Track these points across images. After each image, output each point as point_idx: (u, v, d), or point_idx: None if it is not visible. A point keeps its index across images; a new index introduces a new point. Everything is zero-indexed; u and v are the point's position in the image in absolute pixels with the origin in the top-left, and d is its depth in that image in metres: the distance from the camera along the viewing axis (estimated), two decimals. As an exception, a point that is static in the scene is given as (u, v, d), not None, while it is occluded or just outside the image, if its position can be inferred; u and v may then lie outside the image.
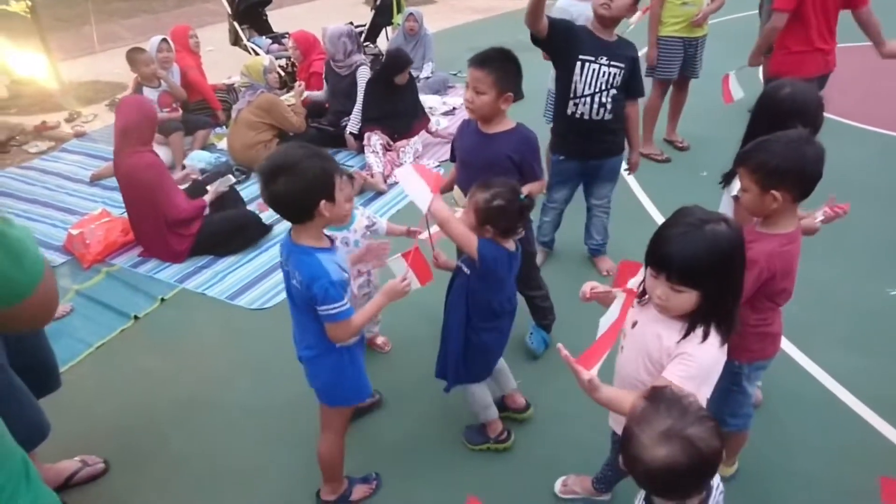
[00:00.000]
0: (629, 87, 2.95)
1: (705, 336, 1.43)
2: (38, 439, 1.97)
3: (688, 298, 1.39)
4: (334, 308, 1.72)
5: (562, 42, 2.83)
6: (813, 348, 2.79)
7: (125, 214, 4.09)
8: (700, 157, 4.77)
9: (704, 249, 1.35)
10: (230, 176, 4.21)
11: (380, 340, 2.93)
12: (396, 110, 4.84)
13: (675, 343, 1.46)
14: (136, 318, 3.20)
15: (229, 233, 3.81)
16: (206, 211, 3.80)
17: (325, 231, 2.34)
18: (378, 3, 7.27)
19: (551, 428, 2.46)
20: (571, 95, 2.93)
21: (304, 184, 1.64)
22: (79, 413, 2.54)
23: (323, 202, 1.67)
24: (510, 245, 2.04)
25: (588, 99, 2.90)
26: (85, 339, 3.01)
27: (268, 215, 4.00)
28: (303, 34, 5.89)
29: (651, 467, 1.12)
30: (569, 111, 2.95)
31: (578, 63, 2.87)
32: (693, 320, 1.43)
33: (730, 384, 1.90)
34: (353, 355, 1.95)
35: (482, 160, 2.37)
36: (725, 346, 1.46)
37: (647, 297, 1.53)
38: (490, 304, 2.09)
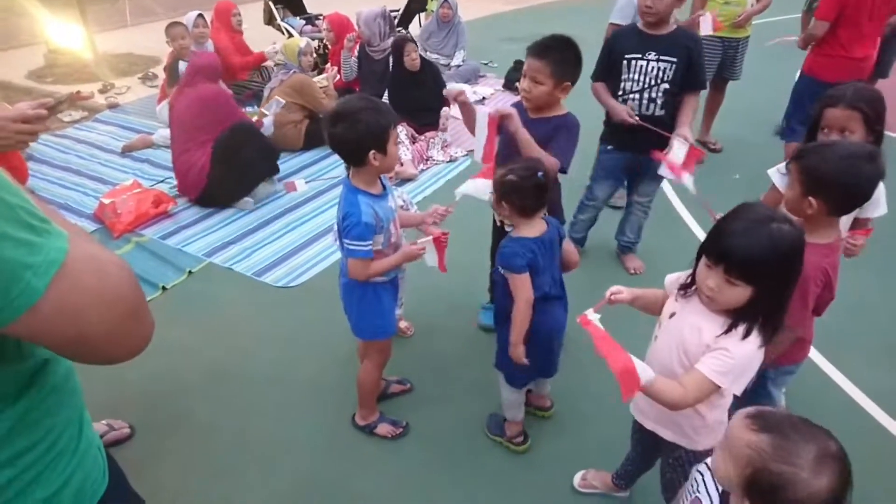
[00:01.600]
0: (686, 80, 2.86)
1: (747, 334, 1.41)
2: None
3: (741, 293, 1.38)
4: (356, 245, 1.91)
5: (610, 61, 2.93)
6: (839, 357, 2.74)
7: (156, 186, 4.17)
8: (733, 159, 4.70)
9: (768, 246, 1.33)
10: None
11: (403, 325, 2.94)
12: (421, 103, 4.80)
13: (714, 337, 1.44)
14: (164, 288, 3.24)
15: (242, 145, 3.97)
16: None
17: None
18: (413, -12, 7.24)
19: (571, 422, 2.45)
20: (620, 92, 2.91)
21: (357, 133, 1.82)
22: (107, 377, 2.53)
23: (373, 152, 1.85)
24: (533, 230, 1.98)
25: (637, 95, 2.88)
26: (114, 307, 3.05)
27: (286, 200, 4.07)
28: (337, 16, 5.88)
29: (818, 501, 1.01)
30: (634, 120, 2.90)
31: (624, 62, 2.85)
32: (738, 317, 1.42)
33: (755, 387, 1.88)
34: (378, 293, 2.11)
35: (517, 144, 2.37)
36: (763, 349, 1.44)
37: (690, 289, 1.51)
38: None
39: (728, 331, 1.42)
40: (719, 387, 1.42)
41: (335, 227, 2.13)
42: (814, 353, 2.71)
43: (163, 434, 2.40)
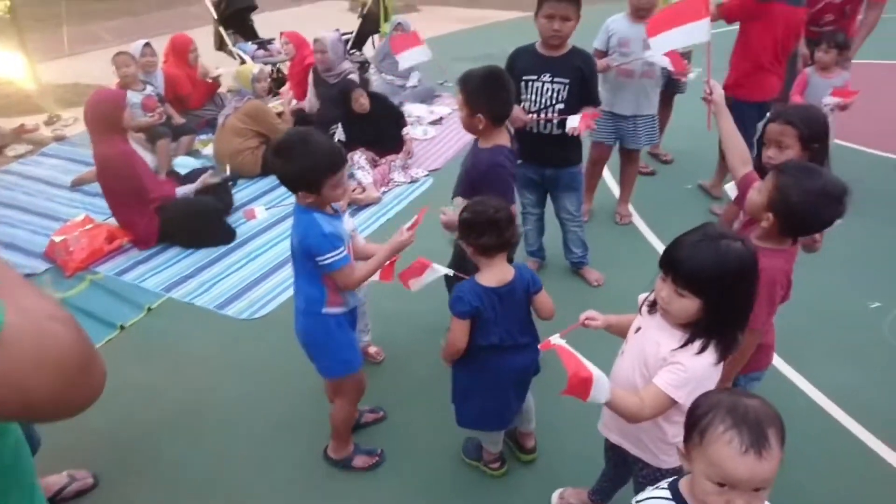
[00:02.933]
0: (581, 100, 2.95)
1: (702, 349, 1.45)
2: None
3: (689, 305, 1.43)
4: (331, 256, 1.88)
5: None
6: (799, 360, 2.84)
7: (109, 221, 4.05)
8: (684, 170, 4.85)
9: (713, 259, 1.39)
10: (226, 172, 4.43)
11: (372, 350, 2.91)
12: (376, 135, 4.80)
13: (670, 351, 1.49)
14: (122, 327, 3.14)
15: (186, 218, 3.86)
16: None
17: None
18: (365, 11, 7.28)
19: (547, 441, 2.46)
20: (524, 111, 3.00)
21: (290, 172, 1.86)
22: (67, 424, 2.41)
23: (302, 193, 1.88)
24: (491, 277, 1.91)
25: (535, 115, 2.97)
26: (69, 350, 2.94)
27: (245, 229, 4.01)
28: (294, 32, 5.87)
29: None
30: (524, 127, 2.99)
31: (522, 83, 2.95)
32: (693, 332, 1.47)
33: None
34: (341, 324, 2.07)
35: (462, 171, 2.48)
36: (720, 365, 1.48)
37: (655, 305, 1.56)
38: (474, 340, 1.96)
39: (684, 345, 1.46)
40: (675, 401, 1.45)
41: (293, 259, 2.06)
42: (775, 358, 2.81)
43: (128, 481, 2.31)
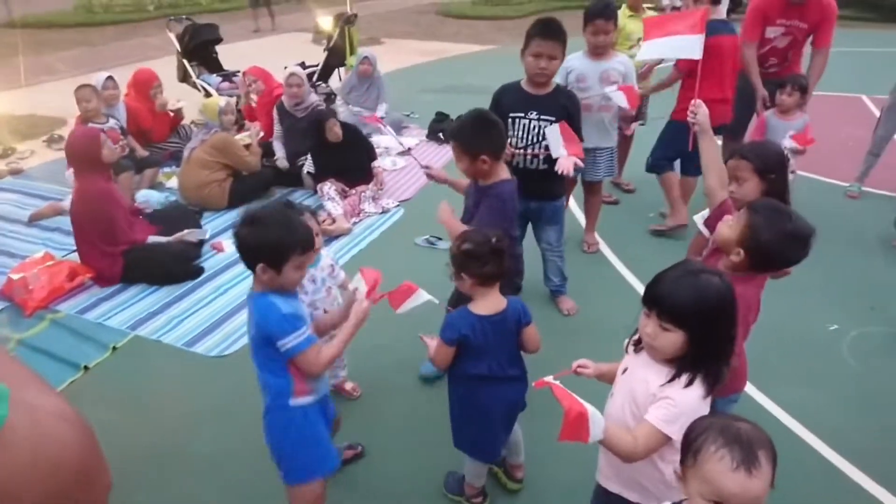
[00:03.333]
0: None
1: (689, 382, 1.49)
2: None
3: (674, 339, 1.47)
4: (293, 338, 1.74)
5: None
6: (764, 382, 2.93)
7: (70, 257, 3.93)
8: (645, 198, 4.99)
9: (694, 294, 1.45)
10: (206, 230, 4.31)
11: (348, 386, 2.88)
12: (346, 164, 4.83)
13: (659, 387, 1.52)
14: (86, 368, 3.03)
15: (152, 257, 3.79)
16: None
17: None
18: (331, 44, 7.35)
19: (529, 471, 2.46)
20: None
21: (254, 243, 1.74)
22: None
23: (262, 265, 1.72)
24: (485, 306, 1.95)
25: (521, 151, 3.06)
26: (29, 393, 2.81)
27: (214, 262, 3.95)
28: (256, 68, 5.87)
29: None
30: (512, 151, 3.07)
31: (509, 120, 3.02)
32: (680, 366, 1.50)
33: None
34: (308, 416, 1.88)
35: (466, 208, 2.54)
36: (709, 399, 1.51)
37: (640, 343, 1.59)
38: (464, 369, 2.00)
39: (672, 380, 1.50)
40: (669, 437, 1.47)
41: (251, 349, 1.89)
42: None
43: (95, 531, 2.20)
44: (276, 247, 1.72)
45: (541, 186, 3.17)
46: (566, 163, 2.91)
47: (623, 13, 4.75)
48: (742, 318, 1.78)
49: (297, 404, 1.87)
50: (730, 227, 1.83)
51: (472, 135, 2.38)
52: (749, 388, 2.90)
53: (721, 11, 4.15)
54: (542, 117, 3.00)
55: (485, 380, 1.99)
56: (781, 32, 4.27)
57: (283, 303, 1.76)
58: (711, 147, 2.10)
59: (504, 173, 2.48)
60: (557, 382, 1.42)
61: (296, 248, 1.74)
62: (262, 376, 1.89)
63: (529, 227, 3.43)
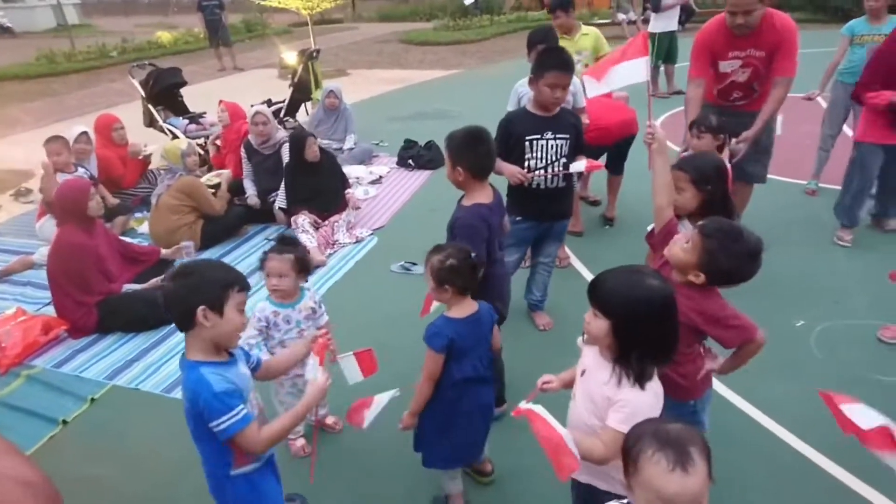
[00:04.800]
0: (577, 151, 3.23)
1: (625, 376, 1.57)
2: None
3: (601, 325, 1.58)
4: (224, 421, 1.60)
5: (510, 144, 3.15)
6: (732, 378, 2.99)
7: (43, 311, 3.90)
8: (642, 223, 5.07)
9: (623, 285, 1.58)
10: (191, 244, 4.49)
11: (330, 420, 2.89)
12: (321, 189, 4.89)
13: (605, 384, 1.61)
14: (64, 422, 2.99)
15: (127, 306, 3.77)
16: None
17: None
18: (296, 79, 7.44)
19: (511, 484, 2.50)
20: (526, 170, 3.14)
21: (187, 286, 1.62)
22: None
23: (203, 308, 1.59)
24: (463, 311, 2.10)
25: (542, 171, 3.15)
26: (7, 453, 2.77)
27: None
28: (233, 103, 5.92)
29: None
30: (525, 184, 3.14)
31: (527, 143, 3.12)
32: (614, 361, 1.60)
33: (691, 423, 2.06)
34: (254, 486, 1.79)
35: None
36: (660, 391, 1.60)
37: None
38: (452, 374, 2.12)
39: (611, 375, 1.59)
40: None
41: (188, 423, 1.74)
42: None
43: (82, 589, 2.18)
44: (213, 284, 1.62)
45: (559, 206, 3.32)
46: (584, 166, 3.18)
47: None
48: (704, 328, 1.90)
49: (238, 473, 1.77)
50: (684, 250, 1.90)
51: (459, 144, 2.49)
52: (719, 387, 2.99)
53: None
54: (557, 136, 3.12)
55: (470, 382, 2.13)
56: (739, 65, 3.75)
57: (216, 376, 1.62)
58: (665, 165, 2.19)
59: (482, 196, 2.52)
60: (532, 407, 1.49)
61: (234, 285, 1.65)
62: (198, 447, 1.76)
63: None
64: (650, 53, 8.78)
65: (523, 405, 1.55)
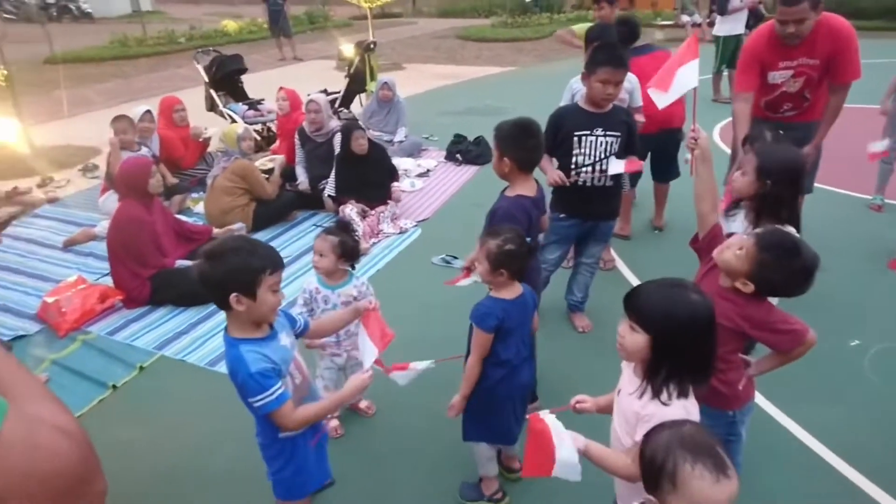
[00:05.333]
0: (628, 150, 3.17)
1: (656, 393, 1.52)
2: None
3: (638, 340, 1.53)
4: (260, 399, 1.67)
5: (558, 139, 3.12)
6: (782, 398, 2.91)
7: (101, 280, 4.10)
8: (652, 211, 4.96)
9: (664, 299, 1.52)
10: (241, 225, 4.69)
11: (363, 404, 2.94)
12: (368, 180, 4.96)
13: (636, 400, 1.56)
14: (114, 387, 3.15)
15: (178, 282, 3.87)
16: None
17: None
18: (352, 71, 7.56)
19: (542, 483, 2.48)
20: (573, 166, 3.11)
21: (220, 272, 1.65)
22: None
23: (236, 295, 1.64)
24: (511, 292, 2.13)
25: (589, 168, 3.11)
26: (61, 411, 2.94)
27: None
28: (293, 91, 6.08)
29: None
30: (571, 180, 3.12)
31: (575, 138, 3.08)
32: (646, 374, 1.55)
33: (727, 434, 2.01)
34: (298, 446, 1.90)
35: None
36: (692, 409, 1.53)
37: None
38: (498, 354, 2.14)
39: (643, 391, 1.54)
40: None
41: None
42: (757, 397, 2.86)
43: (119, 544, 2.28)
44: (243, 271, 1.65)
45: (605, 205, 3.26)
46: (623, 166, 3.11)
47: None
48: (752, 334, 1.85)
49: (286, 436, 1.86)
50: (737, 257, 1.84)
51: (507, 135, 2.50)
52: (766, 405, 2.89)
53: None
54: (607, 133, 3.07)
55: (514, 362, 2.15)
56: (791, 76, 3.53)
57: (254, 355, 1.68)
58: (709, 172, 2.14)
59: (525, 188, 2.53)
60: (551, 419, 1.47)
61: (265, 269, 1.67)
62: (250, 410, 1.81)
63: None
64: (715, 57, 8.54)
65: (543, 414, 1.53)
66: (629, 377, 1.63)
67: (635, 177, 4.44)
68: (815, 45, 3.41)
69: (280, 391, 1.69)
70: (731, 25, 8.15)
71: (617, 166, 3.10)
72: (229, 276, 1.64)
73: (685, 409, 1.53)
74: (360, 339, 2.04)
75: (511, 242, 2.06)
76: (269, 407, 1.68)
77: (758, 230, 1.88)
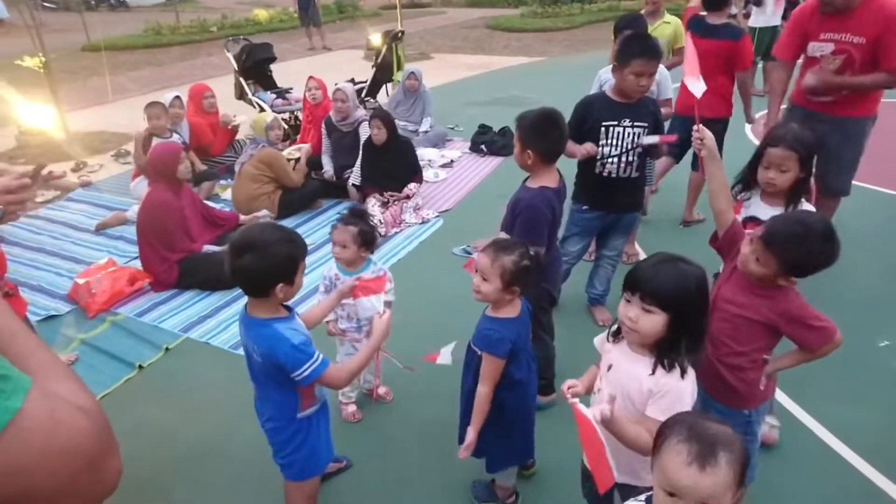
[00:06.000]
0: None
1: (671, 367, 1.54)
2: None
3: (656, 321, 1.52)
4: (307, 368, 1.74)
5: (584, 128, 3.07)
6: (805, 397, 2.85)
7: (131, 264, 4.20)
8: (677, 203, 4.82)
9: (674, 275, 1.53)
10: (266, 212, 4.74)
11: (382, 390, 2.97)
12: (391, 170, 4.97)
13: (648, 378, 1.56)
14: (140, 367, 3.23)
15: (205, 267, 3.95)
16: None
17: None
18: (379, 60, 7.57)
19: (556, 482, 2.48)
20: (598, 157, 3.08)
21: (267, 265, 1.70)
22: None
23: (280, 285, 1.72)
24: (514, 310, 2.05)
25: (615, 159, 3.07)
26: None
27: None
28: (321, 80, 6.13)
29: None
30: (596, 170, 3.09)
31: (602, 129, 3.04)
32: (661, 352, 1.55)
33: (743, 434, 1.98)
34: (312, 425, 1.96)
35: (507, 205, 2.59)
36: (693, 377, 1.56)
37: (620, 334, 1.65)
38: (511, 375, 2.08)
39: (655, 367, 1.55)
40: None
41: (252, 374, 1.91)
42: (779, 395, 2.81)
43: (141, 519, 2.36)
44: (289, 262, 1.74)
45: (629, 197, 3.23)
46: (658, 139, 3.05)
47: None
48: (784, 330, 1.87)
49: (303, 416, 1.93)
50: (758, 266, 1.82)
51: (530, 127, 2.45)
52: (789, 405, 2.83)
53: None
54: (635, 124, 3.03)
55: (524, 381, 2.11)
56: (830, 51, 3.27)
57: (290, 331, 1.75)
58: (719, 170, 2.10)
59: (548, 180, 2.49)
60: (588, 413, 1.46)
61: (304, 256, 1.79)
62: (266, 392, 1.91)
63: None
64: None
65: (584, 410, 1.48)
66: (627, 356, 1.63)
67: (679, 153, 4.40)
68: (863, 22, 3.14)
69: (322, 356, 1.79)
70: (767, 17, 7.94)
71: (651, 138, 3.04)
72: (277, 269, 1.71)
73: (693, 381, 1.55)
74: (359, 305, 2.19)
75: (525, 258, 1.97)
76: (317, 372, 1.76)
77: (758, 232, 1.84)
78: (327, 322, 2.61)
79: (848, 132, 3.43)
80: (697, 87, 2.32)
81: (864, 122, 3.44)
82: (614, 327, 1.69)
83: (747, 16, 9.23)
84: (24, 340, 0.76)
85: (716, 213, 2.09)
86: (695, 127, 2.15)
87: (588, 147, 3.03)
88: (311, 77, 6.11)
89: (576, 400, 1.52)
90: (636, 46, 2.93)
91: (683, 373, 1.53)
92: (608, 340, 1.73)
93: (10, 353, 0.73)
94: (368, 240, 2.60)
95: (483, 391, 2.03)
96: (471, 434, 2.06)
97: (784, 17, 8.01)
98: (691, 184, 4.64)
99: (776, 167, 2.23)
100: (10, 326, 0.75)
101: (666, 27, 4.65)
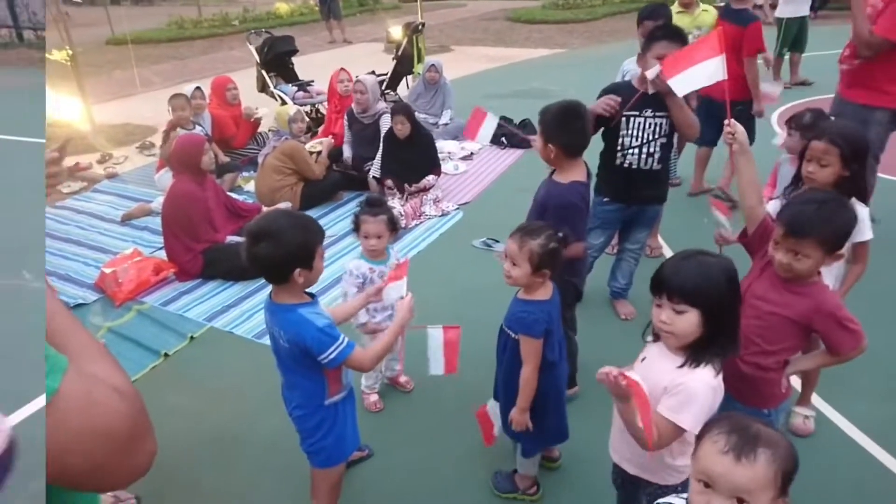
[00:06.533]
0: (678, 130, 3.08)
1: (698, 364, 1.52)
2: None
3: (690, 319, 1.50)
4: (334, 350, 1.77)
5: (605, 116, 2.98)
6: (836, 397, 2.80)
7: (156, 254, 4.26)
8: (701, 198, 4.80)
9: (698, 269, 1.52)
10: (288, 204, 4.82)
11: (402, 379, 2.99)
12: (410, 163, 4.96)
13: (668, 374, 1.54)
14: (165, 355, 3.29)
15: (229, 257, 3.94)
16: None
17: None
18: (400, 52, 7.56)
19: (577, 475, 2.48)
20: (619, 148, 3.04)
21: (283, 251, 1.73)
22: None
23: (299, 270, 1.75)
24: (547, 292, 2.08)
25: (636, 150, 3.03)
26: (116, 376, 3.09)
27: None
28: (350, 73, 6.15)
29: None
30: (617, 162, 3.06)
31: (623, 119, 2.99)
32: (694, 350, 1.53)
33: None
34: (339, 412, 1.98)
35: (534, 201, 2.57)
36: (720, 376, 1.53)
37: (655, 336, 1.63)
38: (546, 357, 2.09)
39: (683, 364, 1.53)
40: (681, 428, 1.48)
41: (279, 360, 1.94)
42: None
43: (168, 504, 2.41)
44: (305, 247, 1.75)
45: (651, 189, 3.17)
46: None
47: (673, 10, 4.63)
48: (818, 327, 1.83)
49: (330, 403, 1.95)
50: (800, 261, 1.78)
51: (551, 120, 2.42)
52: (820, 404, 2.78)
53: None
54: (657, 114, 2.98)
55: (556, 362, 2.13)
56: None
57: (314, 315, 1.78)
58: (750, 166, 2.06)
59: (578, 173, 2.46)
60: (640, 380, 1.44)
61: (321, 240, 1.82)
62: (293, 378, 1.93)
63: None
64: (777, 40, 8.16)
65: (634, 375, 1.45)
66: (661, 352, 1.61)
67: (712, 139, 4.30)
68: None
69: (346, 339, 1.81)
70: (794, 7, 7.77)
71: (654, 71, 2.84)
72: (293, 255, 1.73)
73: (710, 383, 1.52)
74: (385, 293, 2.17)
75: (553, 240, 1.99)
76: (344, 354, 1.78)
77: (778, 234, 1.80)
78: (363, 324, 2.64)
79: (868, 125, 3.41)
80: (680, 87, 2.42)
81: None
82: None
83: (774, 6, 9.04)
84: (61, 320, 0.77)
85: (746, 208, 2.04)
86: (726, 121, 2.12)
87: (607, 99, 2.94)
88: (342, 69, 6.12)
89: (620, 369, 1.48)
90: (660, 31, 2.91)
91: (717, 373, 1.51)
92: (649, 340, 1.71)
93: (49, 331, 0.74)
94: (395, 224, 2.63)
95: (528, 371, 2.06)
96: (517, 415, 2.11)
97: (812, 8, 7.83)
98: (698, 157, 4.81)
99: (816, 161, 2.19)
100: (50, 307, 0.77)
101: (706, 15, 4.71)
